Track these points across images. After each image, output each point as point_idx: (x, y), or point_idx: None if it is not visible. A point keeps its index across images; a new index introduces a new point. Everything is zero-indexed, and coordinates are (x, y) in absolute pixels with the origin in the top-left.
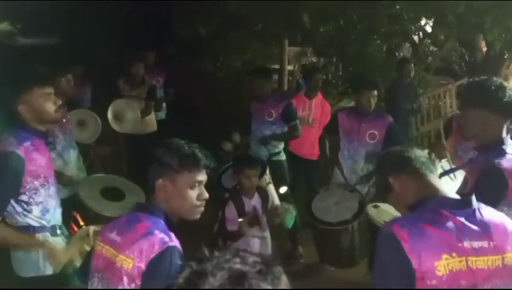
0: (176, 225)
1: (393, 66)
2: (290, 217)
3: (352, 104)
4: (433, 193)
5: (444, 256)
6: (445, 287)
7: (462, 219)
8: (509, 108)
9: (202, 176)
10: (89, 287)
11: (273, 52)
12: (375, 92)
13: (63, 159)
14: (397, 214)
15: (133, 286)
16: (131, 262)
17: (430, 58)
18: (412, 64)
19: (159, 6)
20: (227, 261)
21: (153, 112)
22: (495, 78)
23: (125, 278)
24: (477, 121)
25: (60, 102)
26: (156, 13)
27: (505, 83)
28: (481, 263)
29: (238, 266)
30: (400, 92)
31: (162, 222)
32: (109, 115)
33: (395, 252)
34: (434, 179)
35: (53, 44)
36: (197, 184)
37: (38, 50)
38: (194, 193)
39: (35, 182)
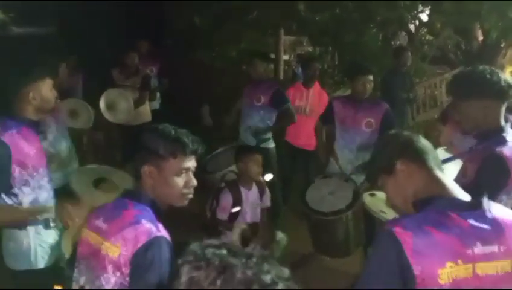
0: (165, 212)
1: (389, 54)
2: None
3: (348, 93)
4: (442, 193)
5: (449, 264)
6: None
7: (472, 222)
8: (506, 90)
9: (189, 163)
10: (75, 275)
11: (268, 42)
12: (371, 77)
13: (54, 149)
14: None
15: (118, 274)
16: (117, 251)
17: (426, 47)
18: (409, 53)
19: None
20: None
21: (147, 102)
22: (481, 66)
23: (109, 267)
24: (478, 112)
25: (56, 93)
26: (151, 2)
27: (493, 68)
28: (490, 269)
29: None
30: (396, 82)
31: (150, 211)
32: (101, 104)
33: (393, 253)
34: (443, 177)
35: (47, 33)
36: (183, 171)
37: (34, 39)
38: (180, 180)
39: (23, 172)
